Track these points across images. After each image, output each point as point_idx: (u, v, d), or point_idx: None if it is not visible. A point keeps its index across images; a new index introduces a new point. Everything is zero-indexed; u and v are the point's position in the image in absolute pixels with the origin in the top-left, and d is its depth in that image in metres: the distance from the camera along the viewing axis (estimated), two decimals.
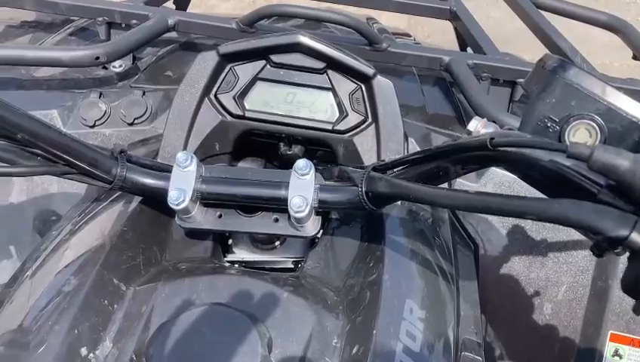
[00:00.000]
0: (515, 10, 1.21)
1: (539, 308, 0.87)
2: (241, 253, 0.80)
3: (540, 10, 1.15)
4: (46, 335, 0.58)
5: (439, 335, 0.65)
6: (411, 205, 0.79)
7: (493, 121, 0.81)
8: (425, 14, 1.17)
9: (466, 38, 1.11)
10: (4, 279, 0.90)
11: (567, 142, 0.48)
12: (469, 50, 1.12)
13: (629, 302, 0.48)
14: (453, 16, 1.15)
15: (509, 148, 0.47)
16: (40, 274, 0.68)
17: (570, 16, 1.22)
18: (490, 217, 0.89)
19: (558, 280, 0.86)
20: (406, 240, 0.74)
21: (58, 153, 0.63)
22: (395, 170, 0.64)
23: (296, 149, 0.87)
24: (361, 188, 0.64)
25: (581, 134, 0.49)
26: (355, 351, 0.60)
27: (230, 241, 0.80)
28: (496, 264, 0.89)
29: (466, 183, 0.88)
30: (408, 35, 1.37)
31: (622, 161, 0.40)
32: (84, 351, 0.57)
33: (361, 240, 0.75)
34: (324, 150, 0.86)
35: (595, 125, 0.48)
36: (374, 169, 0.65)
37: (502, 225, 0.90)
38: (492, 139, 0.47)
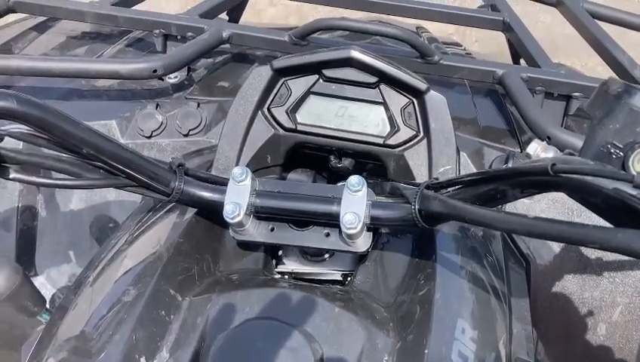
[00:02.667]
0: (570, 20, 1.19)
1: (592, 329, 0.85)
2: (291, 265, 0.81)
3: (596, 21, 1.13)
4: (106, 343, 0.61)
5: (491, 356, 0.64)
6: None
7: (548, 138, 0.80)
8: (478, 25, 1.16)
9: (520, 50, 1.09)
10: (64, 282, 0.94)
11: (632, 170, 0.47)
12: (522, 62, 1.11)
13: None
14: (506, 28, 1.14)
15: (572, 176, 0.46)
16: (100, 282, 0.70)
17: (629, 26, 1.19)
18: None
19: (614, 301, 0.84)
20: (457, 257, 0.73)
21: (120, 167, 0.66)
22: (449, 189, 0.64)
23: (347, 162, 0.87)
24: (414, 206, 0.65)
25: None
26: None
27: (280, 252, 0.81)
28: (549, 282, 0.88)
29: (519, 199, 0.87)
30: (458, 45, 1.36)
31: None
32: (142, 360, 0.59)
33: (411, 255, 0.75)
34: (374, 163, 0.86)
35: None
36: (427, 187, 0.65)
37: (555, 242, 0.89)
38: (553, 165, 0.47)
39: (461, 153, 0.89)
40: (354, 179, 0.68)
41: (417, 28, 1.35)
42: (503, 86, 0.97)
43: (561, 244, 0.88)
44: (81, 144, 0.63)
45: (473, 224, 0.60)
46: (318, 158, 0.88)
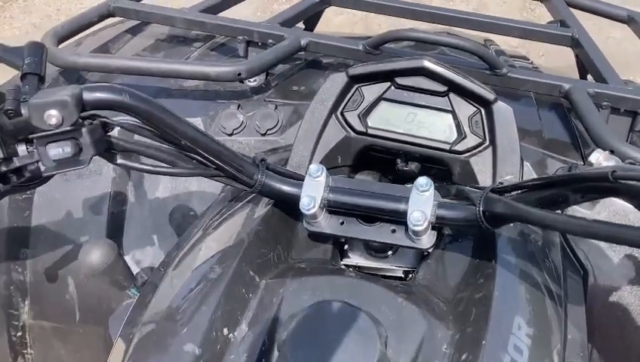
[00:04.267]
0: (636, 32, 1.20)
1: None
2: (356, 259, 0.86)
3: None
4: (193, 314, 0.68)
5: (546, 353, 0.68)
6: (523, 227, 0.82)
7: (612, 151, 0.83)
8: (547, 41, 1.19)
9: (587, 66, 1.12)
10: (147, 262, 1.03)
11: None
12: (589, 77, 1.13)
13: None
14: (574, 44, 1.16)
15: (631, 182, 0.50)
16: (186, 262, 0.78)
17: None
18: (601, 244, 0.90)
19: None
20: (516, 260, 0.77)
21: (212, 158, 0.73)
22: (513, 193, 0.68)
23: (413, 166, 0.93)
24: (479, 207, 0.69)
25: None
26: (464, 358, 0.64)
27: (346, 247, 0.87)
28: (606, 292, 0.90)
29: (579, 210, 0.90)
30: (526, 58, 1.39)
31: None
32: (225, 330, 0.66)
33: (471, 256, 0.79)
34: (439, 168, 0.91)
35: None
36: (492, 190, 0.70)
37: (614, 253, 0.91)
38: (614, 171, 0.51)
39: (525, 163, 0.93)
40: (422, 180, 0.73)
41: (485, 40, 1.38)
42: (569, 100, 1.00)
43: (620, 256, 0.90)
44: (180, 136, 0.71)
45: (535, 225, 0.64)
46: (386, 161, 0.94)
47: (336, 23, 3.64)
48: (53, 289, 1.03)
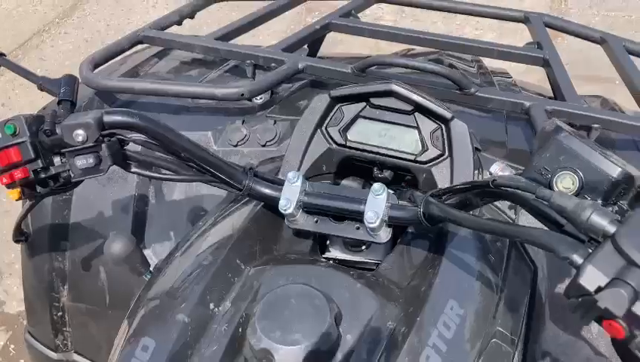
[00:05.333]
0: (610, 57, 1.31)
1: (587, 329, 0.99)
2: (335, 253, 1.02)
3: (629, 56, 1.26)
4: (187, 292, 0.85)
5: (472, 331, 0.82)
6: None
7: None
8: (521, 61, 1.32)
9: (552, 84, 1.25)
10: (164, 255, 1.20)
11: (555, 188, 0.65)
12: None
13: None
14: (545, 64, 1.29)
15: (506, 188, 0.64)
16: (188, 252, 0.95)
17: None
18: None
19: None
20: (462, 254, 0.91)
21: (206, 167, 0.90)
22: (444, 196, 0.82)
23: (387, 173, 1.08)
24: (420, 209, 0.84)
25: (566, 182, 0.65)
26: (402, 331, 0.79)
27: (328, 242, 1.03)
28: (554, 287, 1.02)
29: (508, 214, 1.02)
30: (507, 74, 1.52)
31: (568, 203, 0.56)
32: (211, 305, 0.83)
33: (427, 251, 0.94)
34: (408, 176, 1.06)
35: (576, 176, 0.64)
36: (432, 195, 0.85)
37: None
38: (494, 180, 0.65)
39: (485, 171, 1.07)
40: (376, 186, 0.88)
41: (472, 59, 1.52)
42: (529, 116, 1.13)
43: None
44: (180, 150, 0.88)
45: (457, 224, 0.78)
46: (365, 169, 1.09)
47: (347, 43, 3.80)
48: (88, 276, 1.22)
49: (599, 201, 0.63)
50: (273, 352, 0.73)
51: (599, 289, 0.53)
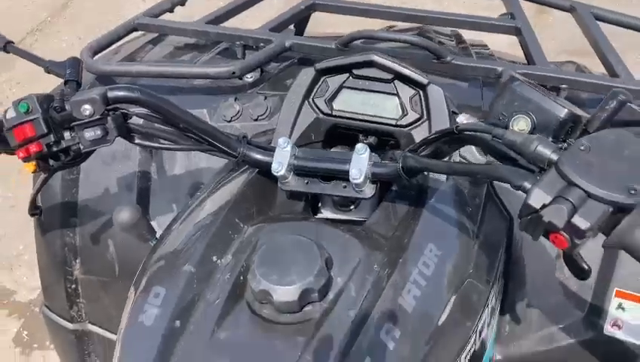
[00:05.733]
0: (579, 23, 1.40)
1: (560, 270, 1.08)
2: (326, 213, 1.10)
3: (597, 22, 1.34)
4: (192, 249, 0.94)
5: (449, 270, 0.91)
6: (453, 181, 1.05)
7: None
8: (495, 31, 1.40)
9: (524, 51, 1.33)
10: None
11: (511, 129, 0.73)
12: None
13: (634, 263, 0.65)
14: (517, 32, 1.37)
15: (467, 132, 0.73)
16: (190, 217, 1.03)
17: (633, 28, 1.38)
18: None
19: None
20: (441, 205, 1.00)
21: (204, 137, 0.99)
22: (419, 150, 0.91)
23: (371, 139, 1.16)
24: (399, 163, 0.93)
25: (520, 124, 0.73)
26: (386, 272, 0.88)
27: (319, 204, 1.11)
28: (528, 244, 1.11)
29: None
30: (485, 46, 1.60)
31: (518, 138, 0.65)
32: (214, 258, 0.92)
33: (409, 204, 1.03)
34: (391, 140, 1.15)
35: (529, 119, 0.73)
36: (410, 150, 0.93)
37: None
38: (457, 126, 0.74)
39: None
40: (359, 146, 0.96)
41: (451, 34, 1.60)
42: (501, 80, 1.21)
43: None
44: (179, 121, 0.97)
45: (429, 170, 0.87)
46: (351, 137, 1.17)
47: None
48: (98, 249, 1.31)
49: (550, 139, 0.72)
50: (272, 292, 0.82)
51: (544, 207, 0.62)
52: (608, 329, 1.04)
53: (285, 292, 0.82)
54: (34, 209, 1.08)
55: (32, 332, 2.41)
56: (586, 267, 0.71)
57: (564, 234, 0.60)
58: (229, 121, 1.28)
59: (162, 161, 1.31)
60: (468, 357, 0.88)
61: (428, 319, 0.84)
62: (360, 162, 0.96)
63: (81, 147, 0.93)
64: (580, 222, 0.60)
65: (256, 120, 1.28)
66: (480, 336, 0.92)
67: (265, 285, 0.83)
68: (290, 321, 0.83)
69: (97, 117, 0.90)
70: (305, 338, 0.80)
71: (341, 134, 1.18)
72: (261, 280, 0.83)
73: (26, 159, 0.92)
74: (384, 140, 1.17)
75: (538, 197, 0.62)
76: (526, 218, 0.64)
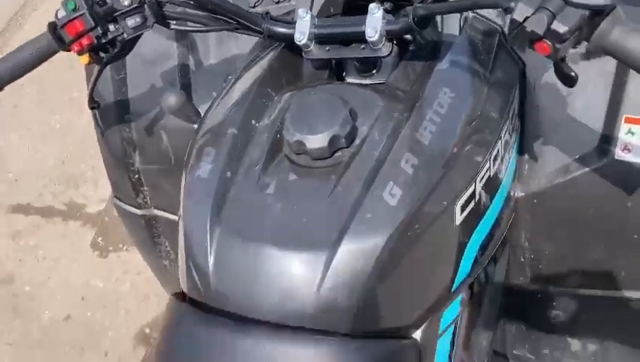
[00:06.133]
0: None
1: (570, 99, 1.16)
2: (350, 79, 1.20)
3: None
4: (232, 116, 1.06)
5: (462, 108, 1.00)
6: (466, 36, 1.13)
7: None
8: None
9: None
10: None
11: None
12: None
13: None
14: None
15: None
16: (228, 95, 1.15)
17: None
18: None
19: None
20: (455, 56, 1.08)
21: (233, 16, 1.09)
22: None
23: (387, 5, 1.23)
24: (410, 16, 1.01)
25: None
26: (405, 115, 0.99)
27: (344, 74, 1.21)
28: (540, 78, 1.18)
29: None
30: None
31: None
32: (253, 121, 1.05)
33: (425, 60, 1.11)
34: (407, 4, 1.22)
35: None
36: (421, 1, 1.01)
37: None
38: None
39: None
40: (372, 5, 1.04)
41: None
42: None
43: None
44: (209, 4, 1.07)
45: (437, 14, 0.96)
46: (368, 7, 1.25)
47: None
48: (153, 141, 1.45)
49: None
50: (305, 141, 0.95)
51: (527, 19, 0.71)
52: (619, 154, 1.12)
53: (316, 140, 0.94)
54: (92, 102, 1.21)
55: (105, 237, 2.67)
56: (573, 74, 0.79)
57: (547, 40, 0.69)
58: (253, 7, 1.37)
59: (199, 54, 1.43)
60: (483, 181, 0.99)
61: (443, 148, 0.95)
62: (374, 21, 1.04)
63: (125, 35, 1.05)
64: (559, 27, 0.68)
65: (277, 2, 1.36)
66: (494, 165, 1.02)
67: (298, 136, 0.95)
68: (323, 166, 0.96)
69: (135, 5, 1.01)
70: (337, 176, 0.93)
71: (358, 5, 1.25)
72: (295, 133, 0.96)
73: (80, 53, 1.04)
74: (400, 4, 1.24)
75: (521, 11, 0.70)
76: (513, 33, 0.72)
